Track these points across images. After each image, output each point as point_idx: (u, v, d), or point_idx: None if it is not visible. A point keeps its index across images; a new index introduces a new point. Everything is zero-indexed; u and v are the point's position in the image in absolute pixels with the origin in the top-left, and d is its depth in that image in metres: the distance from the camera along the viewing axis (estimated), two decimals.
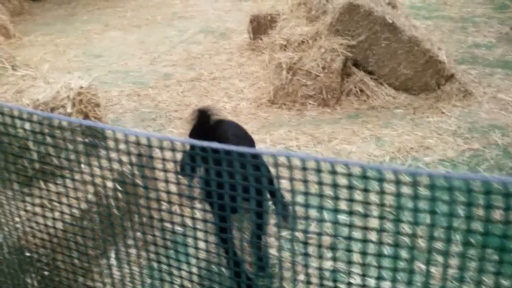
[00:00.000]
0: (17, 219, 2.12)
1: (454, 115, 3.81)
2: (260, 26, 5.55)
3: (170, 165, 1.57)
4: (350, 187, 1.29)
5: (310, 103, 3.97)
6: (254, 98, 4.40)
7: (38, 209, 2.01)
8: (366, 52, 3.92)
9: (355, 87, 3.96)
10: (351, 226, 1.37)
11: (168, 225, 1.73)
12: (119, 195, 2.20)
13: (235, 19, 7.24)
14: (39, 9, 8.71)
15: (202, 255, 1.68)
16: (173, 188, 1.62)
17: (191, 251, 1.71)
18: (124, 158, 2.72)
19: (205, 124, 2.19)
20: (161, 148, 1.52)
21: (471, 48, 5.24)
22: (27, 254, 2.18)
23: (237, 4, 8.21)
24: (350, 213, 1.34)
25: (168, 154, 1.54)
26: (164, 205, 1.68)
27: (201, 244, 1.66)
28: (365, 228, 1.34)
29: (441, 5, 7.20)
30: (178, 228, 1.70)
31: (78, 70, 5.40)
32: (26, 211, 2.06)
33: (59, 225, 2.04)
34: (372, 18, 3.77)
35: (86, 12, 8.37)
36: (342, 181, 1.34)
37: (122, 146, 2.40)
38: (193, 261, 1.72)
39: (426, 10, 6.99)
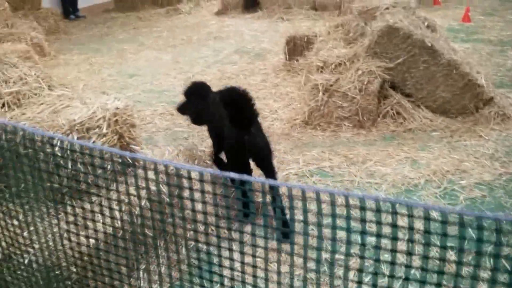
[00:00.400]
0: (48, 236, 2.13)
1: (492, 139, 3.74)
2: (296, 47, 5.57)
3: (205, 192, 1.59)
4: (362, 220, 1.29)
5: (345, 125, 3.94)
6: (288, 118, 4.39)
7: (70, 227, 2.02)
8: (404, 75, 3.89)
9: (392, 109, 3.92)
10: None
11: (202, 245, 1.73)
12: (152, 214, 2.22)
13: (271, 40, 7.30)
14: (75, 28, 8.96)
15: (237, 276, 1.66)
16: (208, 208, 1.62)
17: (225, 271, 1.70)
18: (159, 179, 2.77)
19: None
20: (189, 178, 1.54)
21: (510, 71, 5.15)
22: (57, 272, 2.19)
23: (273, 25, 8.30)
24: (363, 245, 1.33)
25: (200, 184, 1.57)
26: (199, 226, 1.69)
27: (236, 265, 1.64)
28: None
29: (480, 28, 7.12)
30: (212, 248, 1.69)
31: (112, 89, 5.48)
32: (58, 228, 2.07)
33: (91, 243, 2.04)
34: (411, 41, 3.75)
35: (122, 31, 8.57)
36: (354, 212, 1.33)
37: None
38: (226, 282, 1.71)
39: (464, 33, 6.91)
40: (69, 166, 2.41)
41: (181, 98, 4.83)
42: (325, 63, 4.08)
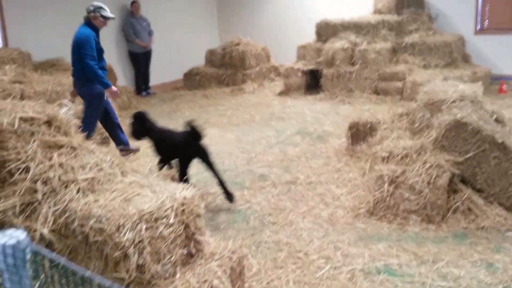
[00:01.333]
0: None
1: None
2: (359, 132, 5.57)
3: None
4: None
5: (412, 218, 3.81)
6: (352, 207, 4.31)
7: None
8: (474, 170, 3.76)
9: (463, 205, 3.75)
10: None
11: None
12: None
13: (333, 122, 7.37)
14: (145, 104, 9.43)
15: None
16: None
17: None
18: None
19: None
20: None
21: None
22: None
23: (334, 107, 8.40)
24: None
25: None
26: None
27: None
28: None
29: None
30: None
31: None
32: None
33: None
34: (481, 137, 3.65)
35: (189, 108, 8.96)
36: None
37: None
38: None
39: None
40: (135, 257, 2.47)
41: (243, 179, 4.91)
42: (391, 154, 4.03)
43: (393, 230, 3.86)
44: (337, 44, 9.17)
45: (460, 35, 9.82)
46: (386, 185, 3.86)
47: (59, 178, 2.72)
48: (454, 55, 9.03)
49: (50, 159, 2.82)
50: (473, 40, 10.18)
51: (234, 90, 10.22)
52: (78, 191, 2.74)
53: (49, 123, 3.05)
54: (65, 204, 2.62)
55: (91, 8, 5.66)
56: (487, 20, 10.28)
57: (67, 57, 8.21)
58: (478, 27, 10.30)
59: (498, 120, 4.17)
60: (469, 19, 10.23)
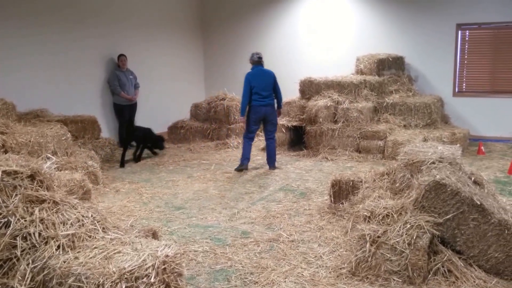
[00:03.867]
0: None
1: None
2: (342, 190, 5.64)
3: None
4: None
5: (394, 279, 3.80)
6: (334, 266, 4.29)
7: None
8: (454, 231, 3.81)
9: (443, 267, 3.77)
10: None
11: None
12: None
13: (316, 179, 7.44)
14: (129, 157, 9.38)
15: None
16: None
17: None
18: None
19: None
20: None
21: None
22: None
23: (317, 164, 8.51)
24: None
25: None
26: None
27: None
28: None
29: None
30: None
31: (159, 221, 5.59)
32: None
33: None
34: (459, 198, 3.73)
35: (173, 162, 8.95)
36: None
37: None
38: None
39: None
40: None
41: (225, 236, 4.86)
42: (372, 213, 4.07)
43: None
44: (320, 102, 9.40)
45: (439, 97, 10.20)
46: (368, 245, 3.87)
47: (39, 234, 2.70)
48: (434, 116, 9.33)
49: (31, 214, 2.80)
50: (451, 101, 10.57)
51: (218, 144, 10.31)
52: (58, 248, 2.71)
53: (32, 177, 3.05)
54: (44, 261, 2.58)
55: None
56: (464, 83, 10.73)
57: (51, 108, 8.33)
58: (456, 89, 10.72)
59: (476, 182, 4.27)
60: (447, 82, 10.66)
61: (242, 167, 8.12)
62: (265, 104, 7.91)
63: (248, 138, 8.16)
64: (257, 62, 8.06)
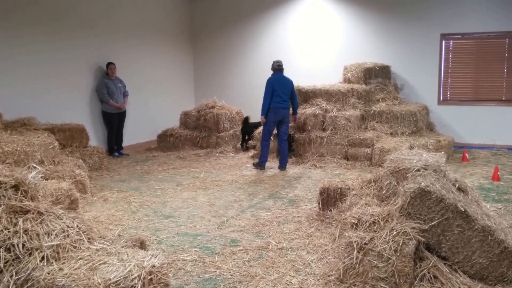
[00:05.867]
0: None
1: None
2: (330, 198, 5.67)
3: None
4: None
5: (381, 286, 3.81)
6: (322, 274, 4.29)
7: None
8: (439, 238, 3.84)
9: (429, 273, 3.79)
10: None
11: None
12: None
13: (305, 186, 7.46)
14: (117, 165, 9.37)
15: None
16: None
17: None
18: None
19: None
20: None
21: None
22: None
23: (306, 171, 8.55)
24: None
25: None
26: None
27: None
28: None
29: (510, 188, 7.14)
30: None
31: (147, 230, 5.55)
32: None
33: None
34: (444, 205, 3.76)
35: (162, 170, 8.92)
36: None
37: None
38: None
39: (495, 192, 6.94)
40: None
41: (214, 244, 4.84)
42: (360, 221, 4.10)
43: None
44: (309, 110, 9.47)
45: (424, 105, 10.32)
46: (355, 252, 3.89)
47: (23, 245, 2.67)
48: (419, 124, 9.44)
49: (15, 224, 2.78)
50: (436, 110, 10.71)
51: (208, 152, 10.31)
52: (42, 259, 2.69)
53: (16, 187, 3.03)
54: (28, 272, 2.56)
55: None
56: (449, 92, 10.87)
57: (39, 117, 8.27)
58: (441, 98, 10.86)
59: (460, 189, 4.32)
60: (432, 90, 10.81)
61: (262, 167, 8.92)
62: (284, 107, 8.60)
63: (266, 140, 8.90)
64: (277, 69, 8.71)
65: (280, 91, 8.52)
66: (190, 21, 13.15)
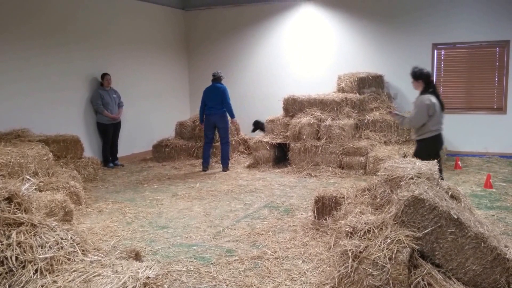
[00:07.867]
0: None
1: None
2: (325, 207, 5.69)
3: None
4: None
5: None
6: (318, 283, 4.30)
7: None
8: (433, 245, 3.85)
9: (423, 280, 3.80)
10: None
11: None
12: None
13: (300, 195, 7.48)
14: (112, 176, 9.35)
15: None
16: None
17: None
18: None
19: None
20: None
21: None
22: None
23: (301, 180, 8.57)
24: None
25: None
26: None
27: None
28: None
29: (503, 195, 7.20)
30: None
31: (142, 241, 5.54)
32: None
33: None
34: (437, 213, 3.78)
35: (157, 180, 8.92)
36: None
37: None
38: None
39: (488, 199, 6.98)
40: None
41: (210, 254, 4.82)
42: (354, 229, 4.10)
43: None
44: (304, 119, 9.51)
45: None
46: (350, 261, 3.89)
47: (17, 258, 2.67)
48: (412, 133, 9.50)
49: (8, 237, 2.77)
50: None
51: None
52: (36, 272, 2.68)
53: (9, 199, 3.02)
54: (21, 285, 2.55)
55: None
56: None
57: (33, 128, 8.25)
58: None
59: (453, 196, 4.34)
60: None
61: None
62: (213, 113, 9.60)
63: (205, 143, 9.87)
64: (212, 79, 9.71)
65: (208, 100, 9.57)
66: (185, 32, 13.21)
